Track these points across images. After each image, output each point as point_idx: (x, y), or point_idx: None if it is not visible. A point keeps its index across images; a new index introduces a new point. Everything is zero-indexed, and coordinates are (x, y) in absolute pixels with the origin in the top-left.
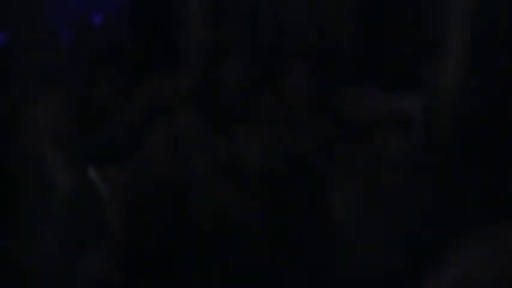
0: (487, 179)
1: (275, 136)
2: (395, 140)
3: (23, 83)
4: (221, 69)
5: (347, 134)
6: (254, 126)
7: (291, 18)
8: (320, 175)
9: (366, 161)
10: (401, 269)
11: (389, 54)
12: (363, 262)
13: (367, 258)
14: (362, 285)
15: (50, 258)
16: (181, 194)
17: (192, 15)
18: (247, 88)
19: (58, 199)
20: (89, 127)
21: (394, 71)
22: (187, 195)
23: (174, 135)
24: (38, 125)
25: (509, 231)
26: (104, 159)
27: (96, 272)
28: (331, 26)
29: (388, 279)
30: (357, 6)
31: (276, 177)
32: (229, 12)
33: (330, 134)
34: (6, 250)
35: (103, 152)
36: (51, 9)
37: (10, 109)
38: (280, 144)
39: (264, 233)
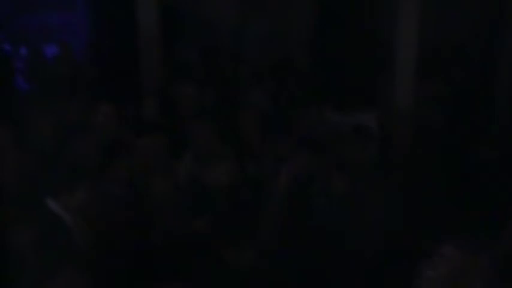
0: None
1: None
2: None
3: None
4: (177, 93)
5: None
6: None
7: (248, 40)
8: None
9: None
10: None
11: (345, 74)
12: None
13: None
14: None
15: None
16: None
17: (150, 40)
18: (203, 111)
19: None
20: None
21: (349, 90)
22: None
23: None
24: None
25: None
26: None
27: None
28: (289, 49)
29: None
30: (314, 29)
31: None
32: (187, 33)
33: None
34: None
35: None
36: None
37: None
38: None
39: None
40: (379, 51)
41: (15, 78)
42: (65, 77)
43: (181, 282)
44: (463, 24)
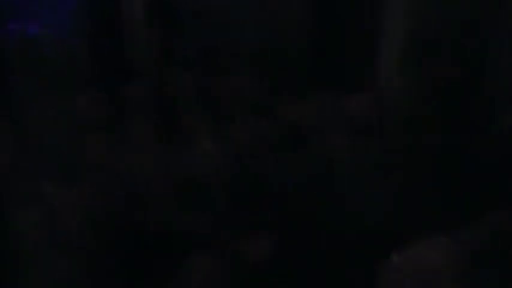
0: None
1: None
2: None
3: None
4: (166, 75)
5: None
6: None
7: (240, 20)
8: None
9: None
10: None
11: (338, 59)
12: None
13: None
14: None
15: None
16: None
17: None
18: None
19: None
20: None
21: (343, 75)
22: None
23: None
24: None
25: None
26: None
27: None
28: (281, 30)
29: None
30: (306, 14)
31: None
32: (176, 14)
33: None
34: None
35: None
36: None
37: None
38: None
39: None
40: (368, 34)
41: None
42: (48, 59)
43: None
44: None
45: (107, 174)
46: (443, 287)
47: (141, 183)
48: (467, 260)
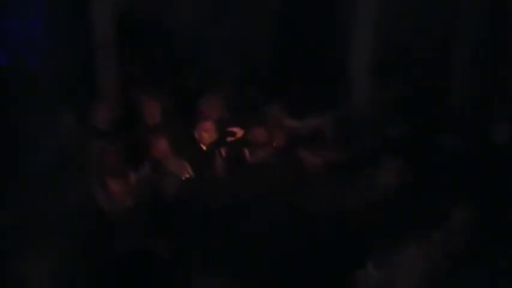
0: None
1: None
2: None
3: None
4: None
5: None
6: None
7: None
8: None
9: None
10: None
11: (302, 78)
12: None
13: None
14: None
15: None
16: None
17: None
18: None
19: None
20: None
21: (306, 93)
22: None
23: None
24: None
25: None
26: None
27: None
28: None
29: None
30: (273, 34)
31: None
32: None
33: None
34: None
35: None
36: None
37: None
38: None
39: None
40: (334, 53)
41: None
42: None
43: None
44: (418, 25)
45: None
46: None
47: None
48: (441, 261)
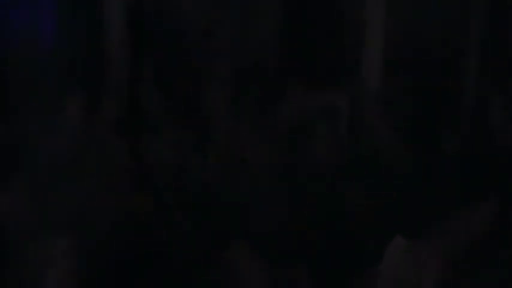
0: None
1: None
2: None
3: None
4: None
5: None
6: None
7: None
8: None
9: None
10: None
11: (316, 52)
12: None
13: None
14: None
15: None
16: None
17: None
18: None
19: None
20: None
21: (321, 68)
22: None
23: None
24: None
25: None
26: None
27: None
28: (257, 29)
29: None
30: (284, 9)
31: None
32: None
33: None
34: None
35: None
36: None
37: None
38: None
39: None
40: (348, 29)
41: None
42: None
43: None
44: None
45: None
46: None
47: None
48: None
